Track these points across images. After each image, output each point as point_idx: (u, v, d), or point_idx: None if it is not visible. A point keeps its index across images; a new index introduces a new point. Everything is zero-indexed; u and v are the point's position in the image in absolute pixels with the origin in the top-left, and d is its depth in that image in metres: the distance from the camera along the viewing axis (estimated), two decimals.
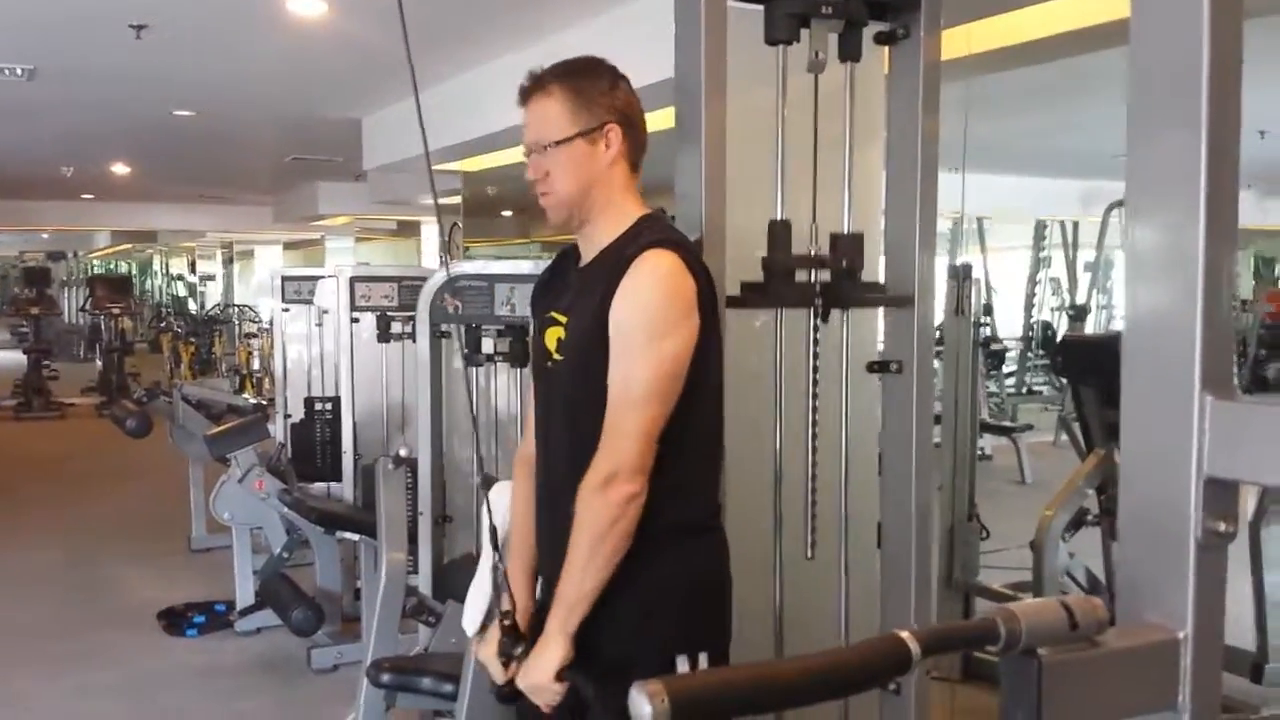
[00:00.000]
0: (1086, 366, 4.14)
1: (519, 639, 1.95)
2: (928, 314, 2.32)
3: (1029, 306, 12.61)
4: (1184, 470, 1.15)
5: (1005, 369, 11.73)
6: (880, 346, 2.43)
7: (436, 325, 3.83)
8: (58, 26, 4.90)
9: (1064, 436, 8.79)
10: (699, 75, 2.08)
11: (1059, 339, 11.36)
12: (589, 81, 1.93)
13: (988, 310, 10.70)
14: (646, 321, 1.81)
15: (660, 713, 0.88)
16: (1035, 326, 12.39)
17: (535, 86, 1.94)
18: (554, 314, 1.99)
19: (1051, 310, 12.87)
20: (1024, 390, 12.01)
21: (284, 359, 7.03)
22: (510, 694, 1.98)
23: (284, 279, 6.92)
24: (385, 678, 3.03)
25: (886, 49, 2.32)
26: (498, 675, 1.98)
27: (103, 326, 14.49)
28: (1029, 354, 12.20)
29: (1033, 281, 12.65)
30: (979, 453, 8.60)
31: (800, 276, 2.19)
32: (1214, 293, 1.14)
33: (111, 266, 27.08)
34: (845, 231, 2.21)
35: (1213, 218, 1.14)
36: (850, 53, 2.20)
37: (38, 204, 15.13)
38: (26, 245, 23.94)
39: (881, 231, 2.37)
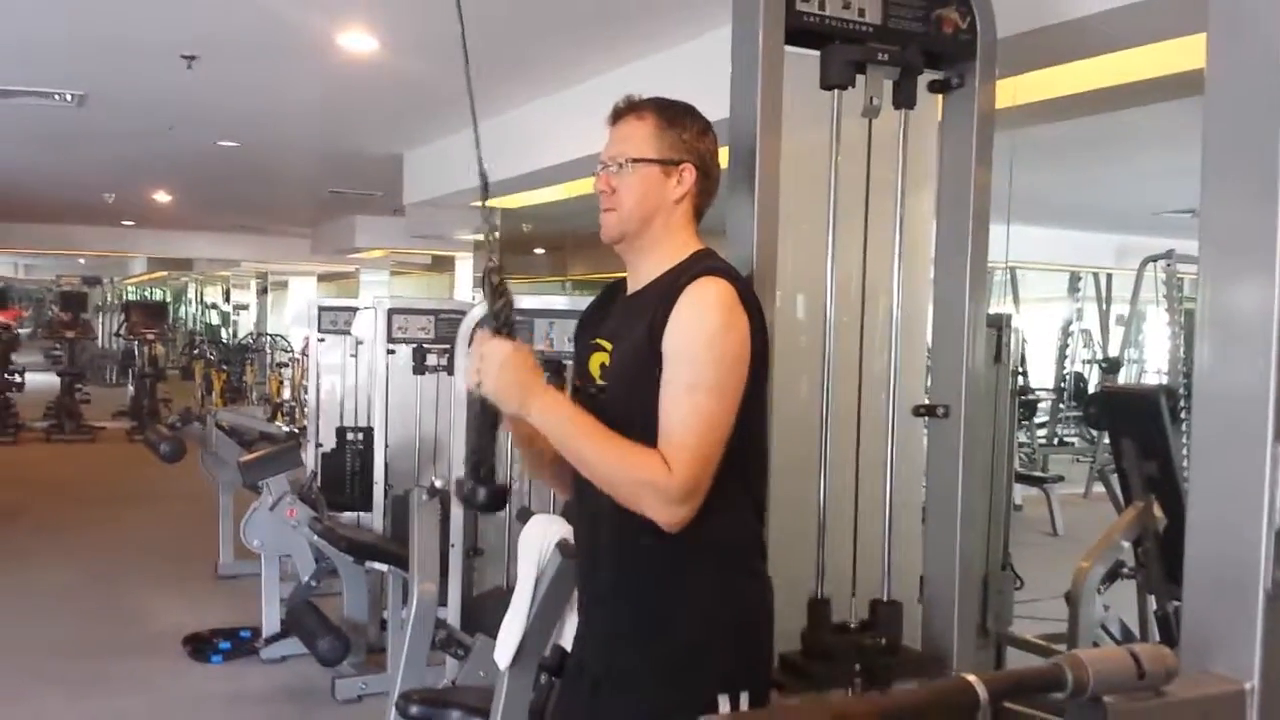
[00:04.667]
0: (1126, 418, 4.10)
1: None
2: (976, 361, 2.31)
3: (1061, 358, 12.53)
4: (1254, 521, 1.14)
5: (1037, 419, 11.64)
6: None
7: None
8: (110, 54, 4.98)
9: (1096, 488, 8.70)
10: (754, 119, 2.09)
11: (1093, 390, 11.27)
12: (681, 120, 1.96)
13: (1023, 362, 10.65)
14: (714, 353, 1.80)
15: None
16: (1068, 378, 12.30)
17: (630, 109, 1.97)
18: (599, 340, 1.99)
19: (1084, 362, 12.78)
20: (1055, 441, 11.90)
21: (317, 388, 7.07)
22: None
23: (320, 309, 6.98)
24: (414, 710, 3.01)
25: (940, 97, 2.33)
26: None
27: (136, 352, 14.61)
28: (1061, 405, 12.11)
29: (1065, 333, 12.58)
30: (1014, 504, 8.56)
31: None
32: None
33: (147, 293, 27.36)
34: (885, 598, 2.23)
35: None
36: (905, 100, 2.21)
37: (77, 228, 15.32)
38: (63, 270, 24.25)
39: (930, 280, 2.38)
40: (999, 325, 4.63)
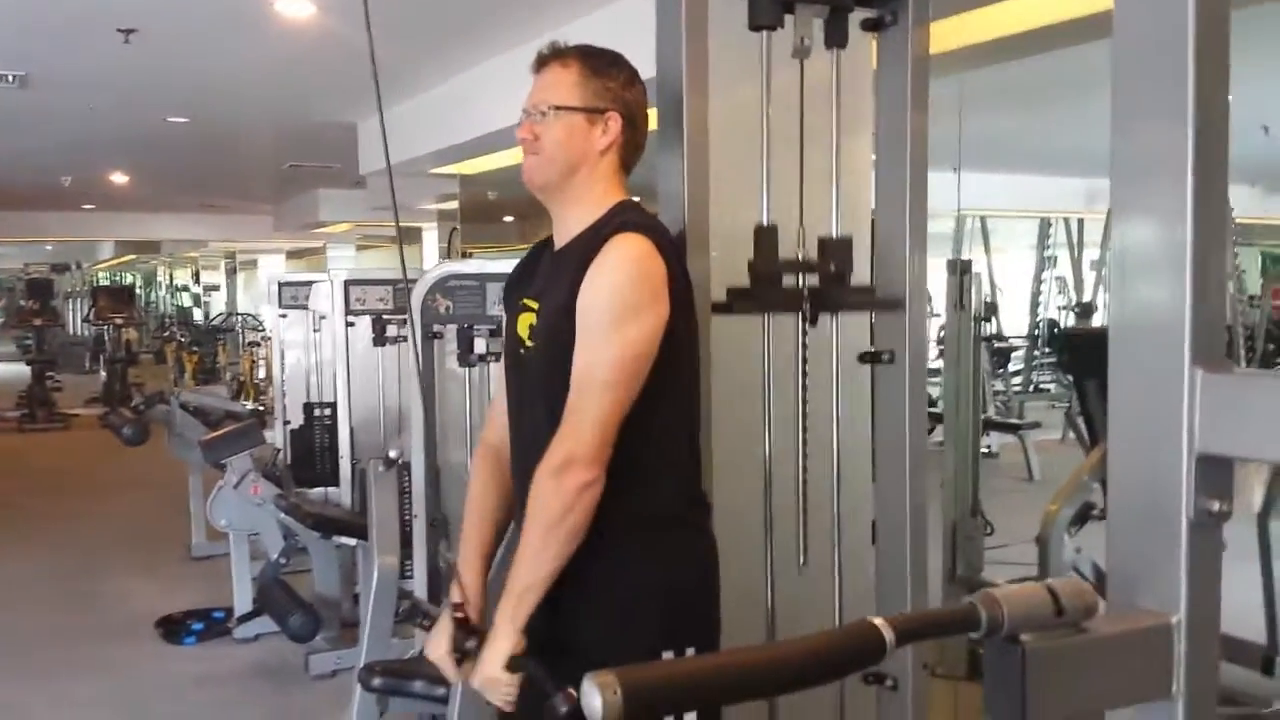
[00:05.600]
0: (1088, 360, 4.09)
1: (471, 632, 1.87)
2: (920, 313, 2.26)
3: (1035, 304, 12.55)
4: (1175, 447, 1.10)
5: (1012, 367, 11.66)
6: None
7: (428, 326, 3.79)
8: (46, 31, 4.87)
9: (1071, 434, 8.72)
10: (680, 65, 2.02)
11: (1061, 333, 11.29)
12: (607, 68, 1.92)
13: (992, 308, 10.64)
14: (611, 305, 1.76)
15: (612, 705, 0.83)
16: (1041, 324, 12.32)
17: (554, 56, 1.92)
18: (526, 300, 1.95)
19: (1059, 309, 12.80)
20: (1031, 388, 11.93)
21: (282, 365, 6.99)
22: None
23: (281, 285, 6.89)
24: (376, 681, 2.98)
25: (874, 40, 2.27)
26: (450, 674, 1.91)
27: (106, 337, 14.47)
28: (1035, 352, 12.14)
29: (1038, 279, 12.59)
30: (986, 450, 8.56)
31: (788, 281, 2.13)
32: (1204, 262, 1.09)
33: (117, 278, 27.10)
34: (834, 235, 2.16)
35: (1201, 184, 1.09)
36: (837, 39, 2.15)
37: (39, 215, 15.12)
38: (31, 257, 23.97)
39: (870, 231, 2.33)
40: (960, 271, 4.60)
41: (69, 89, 6.03)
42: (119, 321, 13.99)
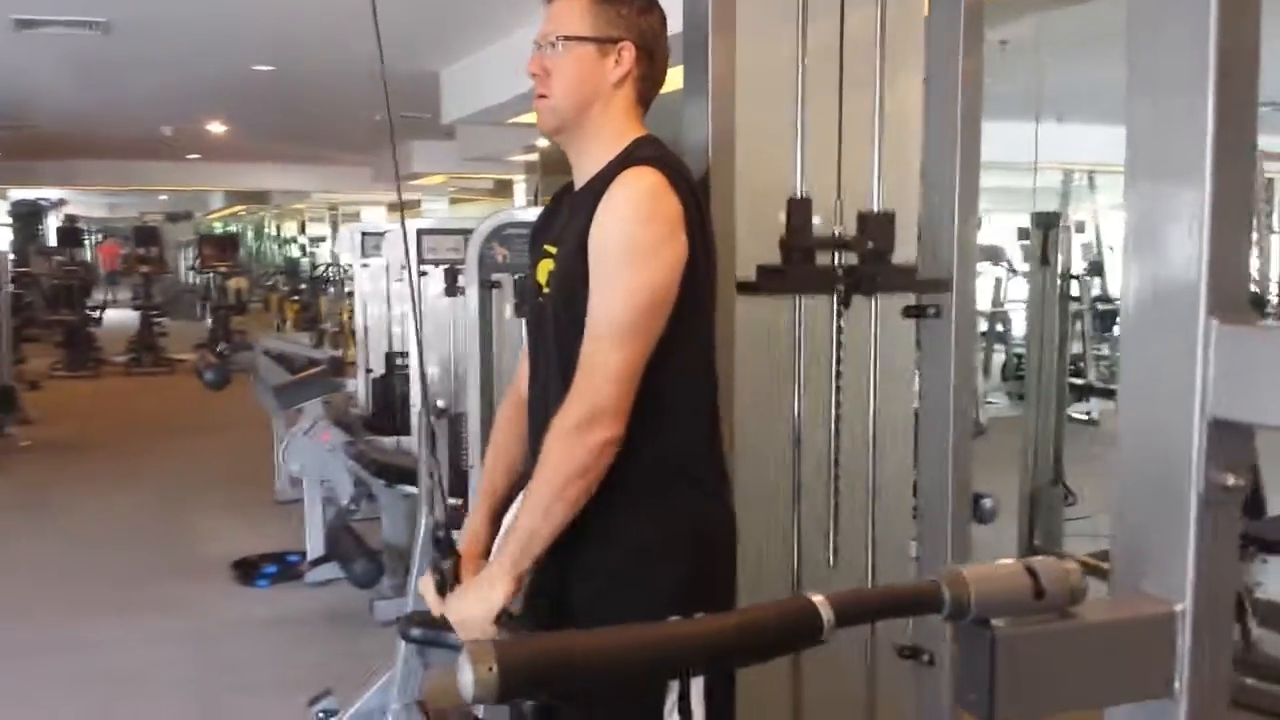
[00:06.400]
0: None
1: (451, 553, 1.82)
2: (968, 277, 2.11)
3: None
4: (1186, 411, 0.96)
5: (1118, 330, 11.18)
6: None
7: (486, 276, 3.74)
8: None
9: None
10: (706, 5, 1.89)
11: None
12: None
13: (1097, 268, 10.20)
14: (623, 245, 1.66)
15: (484, 682, 0.74)
16: None
17: None
18: (546, 246, 1.86)
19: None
20: None
21: (365, 315, 7.05)
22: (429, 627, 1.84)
23: (364, 235, 6.94)
24: (415, 632, 2.94)
25: None
26: (432, 605, 1.84)
27: (211, 285, 14.85)
28: None
29: None
30: (1086, 417, 8.23)
31: (822, 259, 1.99)
32: (1225, 197, 0.94)
33: (230, 228, 27.83)
34: (875, 208, 2.00)
35: (1223, 108, 0.94)
36: None
37: (148, 164, 15.53)
38: (146, 207, 24.74)
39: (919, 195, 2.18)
40: (1046, 226, 4.36)
41: (150, 36, 6.09)
42: (223, 270, 14.34)
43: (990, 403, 8.86)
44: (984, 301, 10.54)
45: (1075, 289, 6.63)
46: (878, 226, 2.01)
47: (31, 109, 9.62)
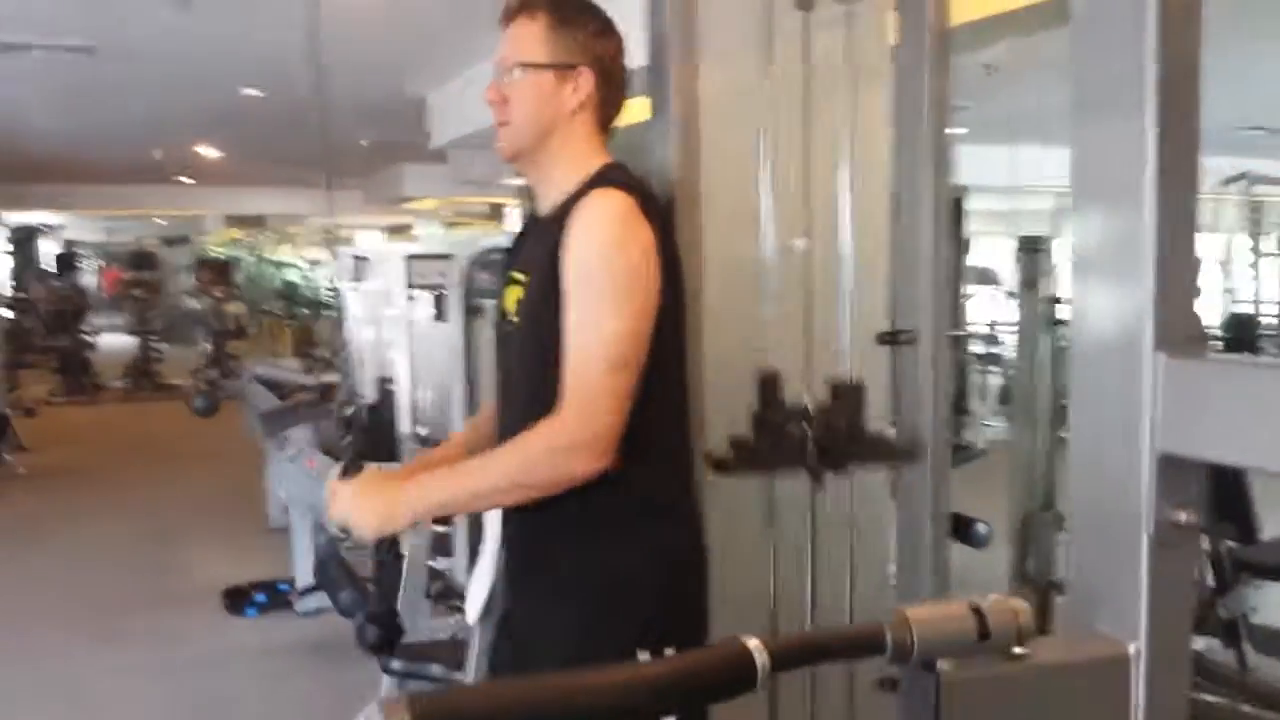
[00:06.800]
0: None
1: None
2: (941, 288, 2.09)
3: None
4: (1135, 447, 0.94)
5: None
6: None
7: (471, 300, 3.73)
8: None
9: None
10: (664, 24, 1.89)
11: None
12: (577, 18, 1.78)
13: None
14: (608, 272, 1.63)
15: None
16: None
17: (522, 7, 1.79)
18: (514, 273, 1.84)
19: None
20: None
21: (354, 339, 7.01)
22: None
23: (355, 259, 6.90)
24: (395, 664, 2.93)
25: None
26: (332, 484, 1.78)
27: (208, 310, 14.82)
28: None
29: None
30: None
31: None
32: (1170, 226, 0.93)
33: (230, 253, 27.80)
34: (849, 378, 1.97)
35: (1167, 134, 0.92)
36: None
37: (140, 188, 15.54)
38: (143, 231, 24.70)
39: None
40: (1032, 250, 4.34)
41: (136, 59, 6.10)
42: (217, 295, 14.30)
43: (988, 425, 8.81)
44: (979, 324, 10.53)
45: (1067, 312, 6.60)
46: (849, 397, 1.97)
47: (19, 132, 9.62)
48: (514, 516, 1.84)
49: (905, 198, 2.12)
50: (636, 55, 1.92)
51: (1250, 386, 0.88)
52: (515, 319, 1.81)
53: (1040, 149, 6.03)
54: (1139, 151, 0.92)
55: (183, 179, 14.70)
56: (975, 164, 8.09)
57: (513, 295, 1.83)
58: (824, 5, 1.97)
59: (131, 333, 13.80)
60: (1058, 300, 4.27)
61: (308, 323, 15.66)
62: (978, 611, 0.91)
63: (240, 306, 16.45)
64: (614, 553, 1.73)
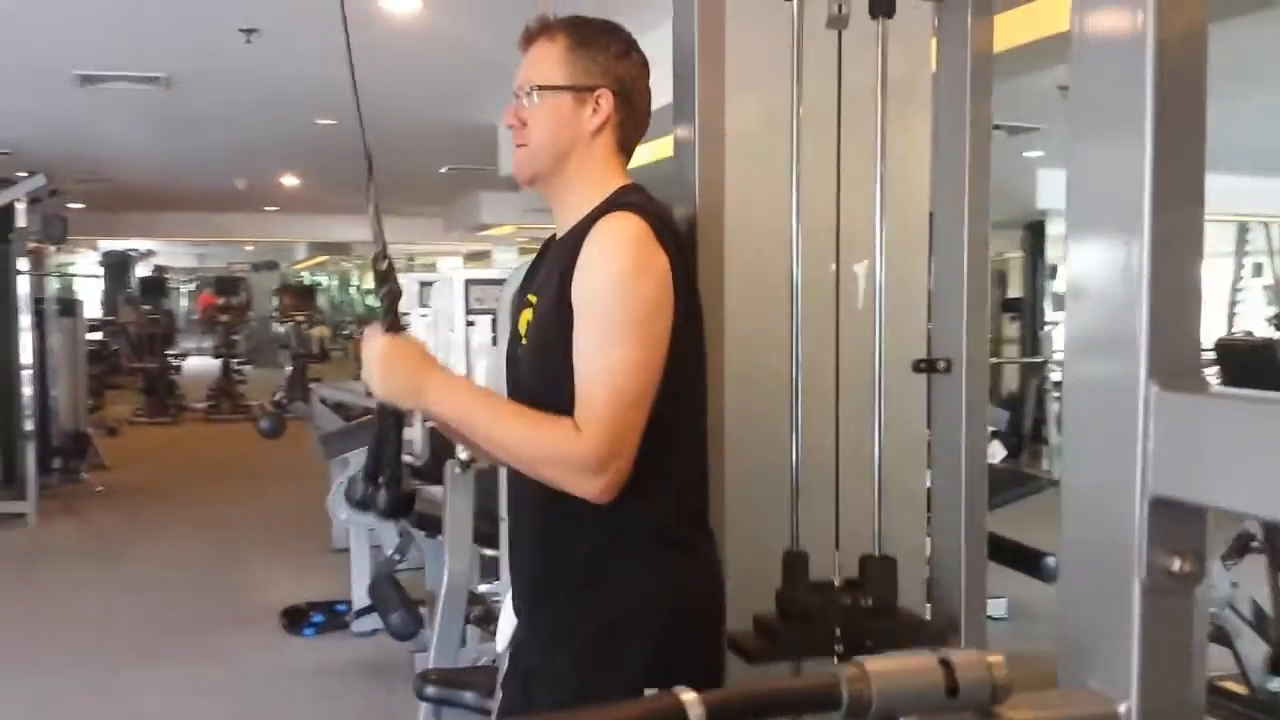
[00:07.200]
0: (1244, 373, 3.65)
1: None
2: (980, 309, 2.00)
3: (1231, 316, 11.58)
4: (1127, 488, 0.86)
5: None
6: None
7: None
8: (175, 31, 5.00)
9: None
10: (693, 29, 1.84)
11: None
12: (597, 39, 1.74)
13: None
14: (624, 299, 1.57)
15: None
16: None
17: (541, 30, 1.76)
18: (528, 296, 1.80)
19: (1267, 321, 11.73)
20: None
21: None
22: None
23: (421, 284, 6.98)
24: (430, 690, 2.89)
25: (932, 4, 2.02)
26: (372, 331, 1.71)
27: (291, 334, 15.14)
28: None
29: (1235, 289, 11.62)
30: None
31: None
32: (1167, 248, 0.85)
33: (317, 278, 28.42)
34: (876, 552, 1.87)
35: (1166, 154, 0.85)
36: (883, 5, 1.91)
37: (227, 216, 15.94)
38: (234, 258, 25.39)
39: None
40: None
41: (209, 90, 6.24)
42: (300, 319, 14.61)
43: None
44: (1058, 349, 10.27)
45: None
46: (879, 573, 1.89)
47: (105, 163, 9.92)
48: (517, 544, 1.80)
49: (942, 222, 2.04)
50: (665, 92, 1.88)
51: (1252, 423, 0.80)
52: (525, 341, 1.78)
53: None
54: (1135, 172, 0.85)
55: (268, 207, 15.05)
56: (1057, 187, 7.87)
57: (525, 318, 1.79)
58: (858, 25, 1.90)
59: (215, 355, 14.13)
60: None
61: None
62: (946, 664, 0.83)
63: (323, 330, 16.79)
64: (618, 588, 1.67)
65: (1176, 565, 0.85)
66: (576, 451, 1.56)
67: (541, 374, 1.69)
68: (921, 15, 2.02)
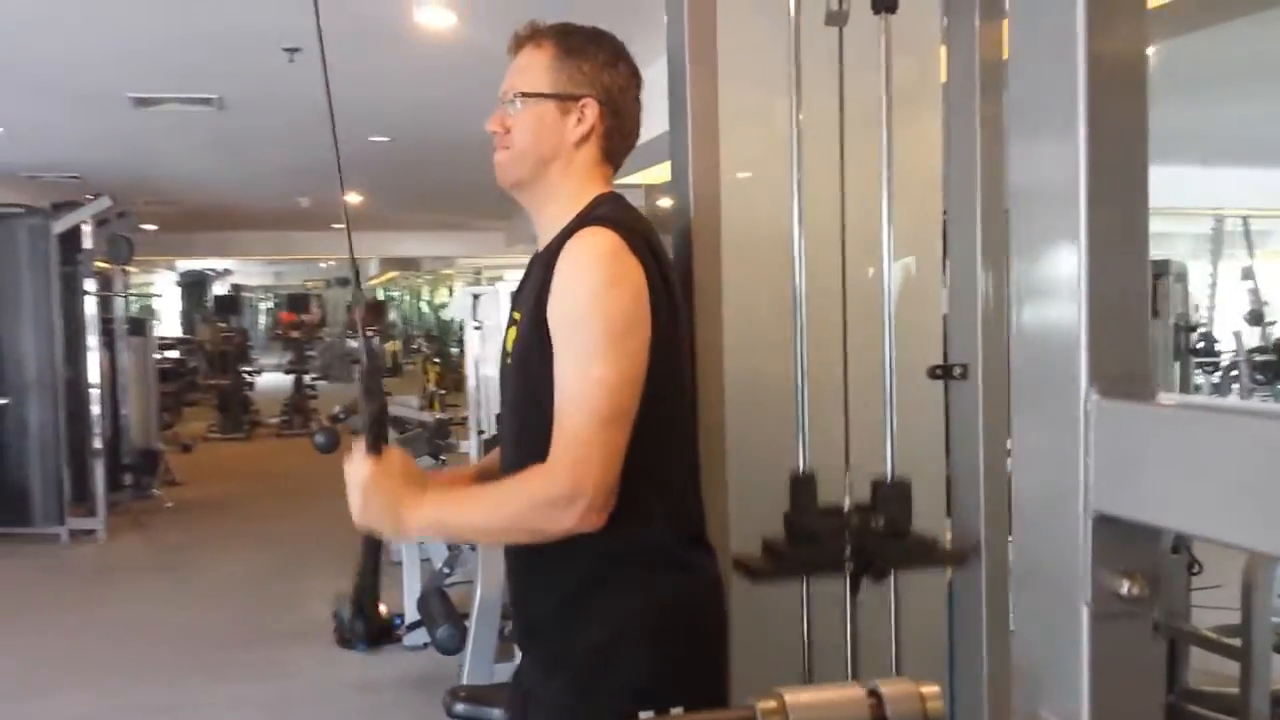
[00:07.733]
0: None
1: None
2: (994, 315, 1.93)
3: None
4: (1070, 505, 0.80)
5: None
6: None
7: None
8: (218, 50, 5.08)
9: None
10: (683, 27, 1.80)
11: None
12: (584, 48, 1.71)
13: (1257, 317, 9.53)
14: (602, 316, 1.54)
15: None
16: None
17: (529, 37, 1.74)
18: (513, 313, 1.77)
19: None
20: None
21: (476, 376, 7.08)
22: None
23: (475, 296, 6.99)
24: (459, 707, 2.86)
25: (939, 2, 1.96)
26: (353, 455, 1.70)
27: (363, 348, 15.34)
28: None
29: None
30: None
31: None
32: (1110, 246, 0.79)
33: (393, 294, 28.83)
34: (889, 476, 1.83)
35: (1103, 144, 0.79)
36: (885, 1, 1.85)
37: (297, 234, 16.23)
38: (310, 274, 25.88)
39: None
40: (1159, 273, 4.06)
41: (263, 111, 6.33)
42: (370, 334, 14.78)
43: None
44: None
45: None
46: (892, 497, 1.83)
47: (169, 184, 10.13)
48: (514, 571, 1.77)
49: (955, 227, 1.97)
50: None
51: (1201, 434, 0.73)
52: (509, 360, 1.74)
53: (1170, 169, 5.64)
54: (1071, 163, 0.79)
55: (334, 225, 15.30)
56: None
57: (511, 334, 1.76)
58: (858, 21, 1.84)
59: (288, 371, 14.35)
60: (1192, 328, 3.97)
61: (452, 360, 16.06)
62: (874, 695, 0.78)
63: (394, 345, 16.99)
64: (610, 612, 1.64)
65: (1125, 588, 0.78)
66: (546, 486, 1.53)
67: (526, 391, 1.66)
68: (923, 14, 1.97)
